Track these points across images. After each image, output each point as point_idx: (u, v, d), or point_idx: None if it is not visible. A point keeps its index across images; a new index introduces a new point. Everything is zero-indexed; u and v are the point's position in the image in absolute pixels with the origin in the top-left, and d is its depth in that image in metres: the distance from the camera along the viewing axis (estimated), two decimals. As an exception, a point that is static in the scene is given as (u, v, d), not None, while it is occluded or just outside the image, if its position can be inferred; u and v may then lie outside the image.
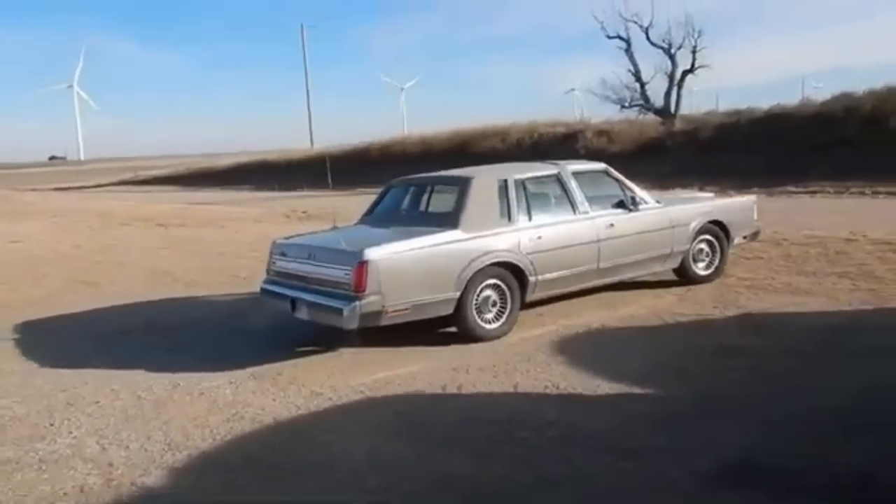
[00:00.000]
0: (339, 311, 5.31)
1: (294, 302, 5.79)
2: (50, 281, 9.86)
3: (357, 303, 5.27)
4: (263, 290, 6.39)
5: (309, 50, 53.88)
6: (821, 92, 28.52)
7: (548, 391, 4.66)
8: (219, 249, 12.41)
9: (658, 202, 6.97)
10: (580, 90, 49.61)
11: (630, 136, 26.50)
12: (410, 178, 7.28)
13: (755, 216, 7.84)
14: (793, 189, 17.36)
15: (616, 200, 6.69)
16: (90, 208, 25.40)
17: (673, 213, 7.00)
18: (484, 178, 6.29)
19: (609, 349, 5.47)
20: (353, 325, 5.34)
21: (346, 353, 5.72)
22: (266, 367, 5.45)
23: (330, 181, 8.63)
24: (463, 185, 6.15)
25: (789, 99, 25.96)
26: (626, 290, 7.03)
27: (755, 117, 24.08)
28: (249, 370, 5.38)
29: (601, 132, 27.56)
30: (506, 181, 6.20)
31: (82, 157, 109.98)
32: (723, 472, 3.45)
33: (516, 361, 5.26)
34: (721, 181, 18.86)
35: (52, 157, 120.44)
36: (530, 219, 6.16)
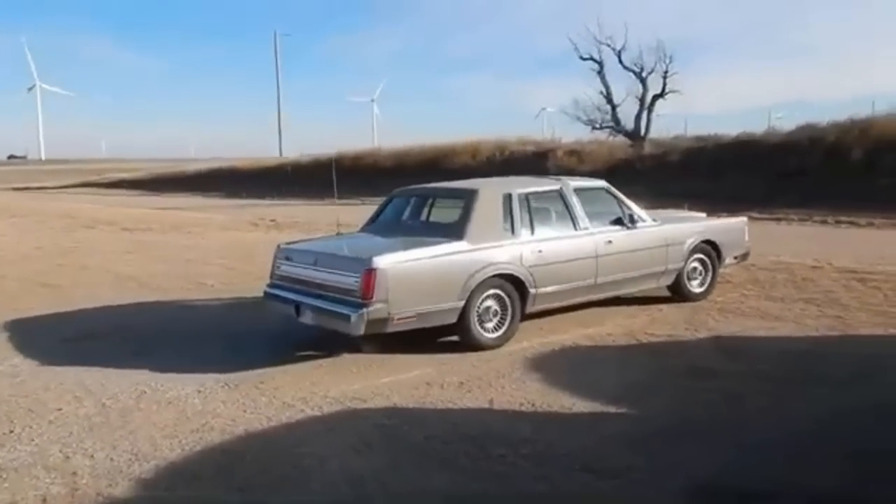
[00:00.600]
0: (347, 318, 5.34)
1: (298, 306, 5.82)
2: (8, 283, 9.58)
3: (364, 310, 5.31)
4: (267, 294, 6.39)
5: (281, 59, 53.61)
6: (783, 122, 29.22)
7: (523, 408, 4.64)
8: (185, 255, 12.21)
9: (654, 220, 7.10)
10: (551, 109, 50.02)
11: (600, 157, 26.78)
12: (414, 188, 7.36)
13: (746, 237, 8.02)
14: (757, 215, 17.63)
15: (614, 217, 6.85)
16: (52, 209, 24.88)
17: (668, 232, 7.16)
18: (489, 191, 6.37)
19: (583, 368, 5.47)
20: (360, 331, 5.36)
21: (322, 364, 5.64)
22: (237, 375, 5.34)
23: (335, 191, 8.56)
24: (469, 197, 6.24)
25: (754, 127, 26.40)
26: (600, 308, 7.05)
27: (723, 143, 24.53)
28: (219, 378, 5.27)
29: (572, 152, 27.83)
30: (510, 195, 6.28)
31: (43, 157, 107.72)
32: (698, 493, 3.46)
33: (491, 377, 5.24)
34: (689, 205, 19.13)
35: (10, 157, 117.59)
36: (532, 232, 6.25)
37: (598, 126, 27.77)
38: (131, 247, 13.67)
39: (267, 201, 29.37)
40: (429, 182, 7.95)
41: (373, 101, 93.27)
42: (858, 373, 5.20)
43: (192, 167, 48.47)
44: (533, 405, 4.68)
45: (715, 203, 19.64)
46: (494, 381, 5.18)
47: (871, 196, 17.79)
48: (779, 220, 16.88)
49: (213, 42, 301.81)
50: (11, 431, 4.36)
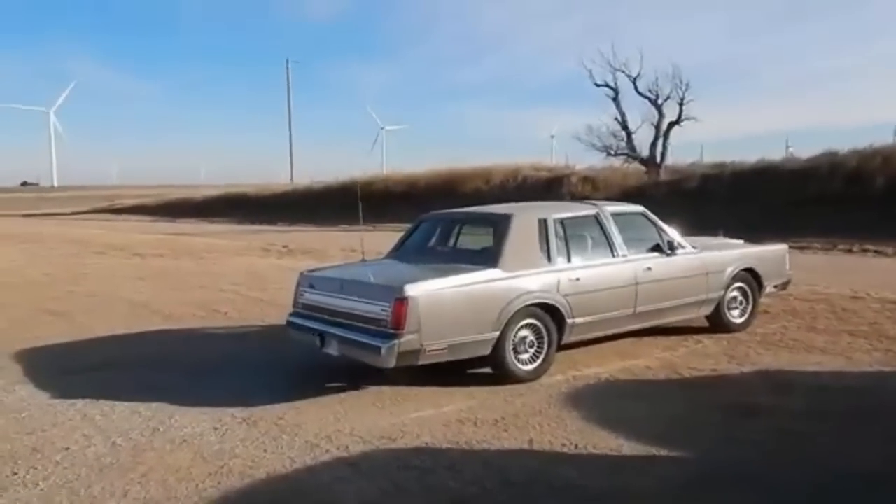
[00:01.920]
0: (377, 350, 5.04)
1: (323, 336, 5.53)
2: (16, 311, 9.31)
3: (395, 341, 5.01)
4: (290, 324, 6.11)
5: (292, 86, 53.82)
6: (798, 150, 28.86)
7: (565, 449, 4.28)
8: (198, 282, 11.94)
9: (694, 247, 6.79)
10: (561, 135, 49.99)
11: (614, 183, 26.53)
12: (443, 212, 7.12)
13: (787, 265, 7.69)
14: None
15: (653, 244, 6.56)
16: (63, 235, 24.76)
17: (708, 259, 6.86)
18: (524, 217, 6.08)
19: (624, 404, 5.11)
20: (391, 364, 5.05)
21: (345, 398, 5.30)
22: (256, 410, 5.02)
23: (361, 217, 8.36)
24: (503, 222, 5.94)
25: (770, 154, 26.05)
26: (635, 339, 6.70)
27: (740, 170, 24.19)
28: (237, 414, 4.95)
29: (586, 178, 27.63)
30: (545, 220, 6.01)
31: (55, 184, 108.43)
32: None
33: (528, 415, 4.88)
34: (706, 233, 18.80)
35: (23, 183, 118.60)
36: (569, 259, 5.97)
37: (612, 153, 27.45)
38: (143, 273, 13.43)
39: (278, 227, 29.18)
40: (441, 208, 7.69)
41: (383, 129, 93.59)
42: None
43: (202, 193, 48.49)
44: (575, 446, 4.32)
45: (733, 231, 19.29)
46: (531, 418, 4.82)
47: (895, 225, 17.42)
48: (802, 248, 16.46)
49: (224, 69, 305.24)
50: (15, 473, 4.03)
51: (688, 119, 26.16)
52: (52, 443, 4.48)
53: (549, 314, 5.71)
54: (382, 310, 5.13)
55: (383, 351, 5.00)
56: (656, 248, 6.52)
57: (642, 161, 26.89)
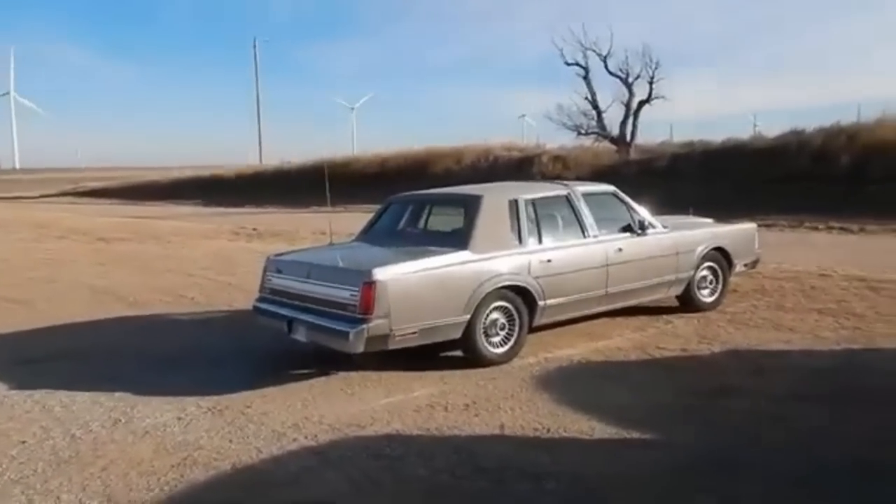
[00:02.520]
0: (345, 335, 4.93)
1: (291, 322, 5.40)
2: (-25, 297, 9.03)
3: (364, 326, 4.90)
4: (257, 309, 5.96)
5: (261, 66, 53.00)
6: (766, 128, 29.10)
7: (538, 434, 4.23)
8: (164, 266, 11.70)
9: (665, 227, 6.75)
10: (532, 116, 49.85)
11: (585, 162, 26.52)
12: (412, 194, 7.00)
13: (756, 244, 7.68)
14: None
15: (624, 224, 6.50)
16: (24, 219, 24.20)
17: (679, 239, 6.82)
18: (494, 197, 5.97)
19: (596, 386, 5.07)
20: (360, 349, 4.95)
21: (313, 384, 5.20)
22: (221, 398, 4.90)
23: (329, 198, 8.18)
24: (473, 203, 5.84)
25: (739, 133, 26.22)
26: (606, 320, 6.68)
27: (709, 149, 24.31)
28: (202, 403, 4.82)
29: (557, 157, 27.54)
30: (516, 201, 5.92)
31: (17, 166, 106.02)
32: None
33: (499, 398, 4.82)
34: (675, 211, 18.89)
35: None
36: (540, 241, 5.90)
37: (583, 132, 27.44)
38: (107, 258, 13.13)
39: (247, 209, 28.80)
40: (412, 189, 7.57)
41: (353, 109, 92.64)
42: (892, 390, 4.85)
43: (170, 175, 47.69)
44: (548, 430, 4.27)
45: (702, 209, 19.37)
46: (503, 402, 4.76)
47: (861, 202, 17.62)
48: (770, 226, 16.59)
49: (192, 49, 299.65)
50: (-32, 469, 3.87)
51: (658, 98, 26.24)
52: (8, 436, 4.32)
53: (521, 296, 5.64)
54: (351, 294, 5.02)
55: (352, 336, 4.89)
56: (627, 229, 6.47)
57: (613, 140, 26.93)
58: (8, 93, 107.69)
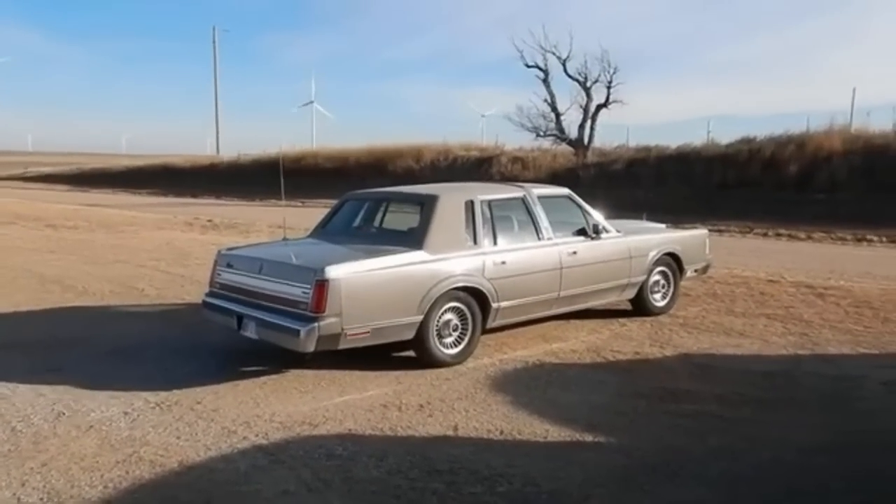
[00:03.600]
0: (295, 333, 4.83)
1: (241, 319, 5.29)
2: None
3: (315, 324, 4.81)
4: (206, 304, 5.82)
5: (220, 57, 52.04)
6: (717, 135, 29.65)
7: (491, 436, 4.23)
8: (115, 256, 11.43)
9: (618, 231, 6.78)
10: (493, 116, 49.96)
11: (544, 164, 26.75)
12: (368, 192, 6.89)
13: (707, 250, 7.76)
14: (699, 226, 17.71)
15: (578, 227, 6.51)
16: (-32, 203, 23.41)
17: (632, 243, 6.85)
18: (450, 198, 5.91)
19: (550, 388, 5.09)
20: (310, 348, 4.86)
21: (266, 381, 5.12)
22: (170, 394, 4.80)
23: (283, 193, 8.08)
24: (428, 203, 5.77)
25: (690, 139, 26.59)
26: (561, 322, 6.73)
27: (664, 154, 24.74)
28: (150, 398, 4.71)
29: (516, 158, 27.74)
30: (472, 202, 5.87)
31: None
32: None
33: (453, 399, 4.82)
34: (631, 215, 19.14)
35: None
36: (495, 242, 5.86)
37: (542, 133, 27.66)
38: (56, 246, 12.78)
39: (203, 200, 28.33)
40: (372, 186, 7.53)
41: (312, 102, 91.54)
42: (835, 395, 4.98)
43: (123, 163, 46.66)
44: (501, 432, 4.27)
45: (657, 214, 19.52)
46: (457, 402, 4.76)
47: (807, 209, 18.14)
48: (721, 231, 16.94)
49: (148, 36, 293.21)
50: None
51: (615, 102, 26.58)
52: (-56, 430, 4.17)
53: (474, 298, 5.61)
54: (303, 292, 4.94)
55: (302, 334, 4.81)
56: (581, 232, 6.49)
57: (571, 143, 27.19)
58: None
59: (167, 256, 11.44)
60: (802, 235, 15.39)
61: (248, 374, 5.27)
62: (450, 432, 4.27)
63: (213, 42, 51.22)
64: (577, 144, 26.92)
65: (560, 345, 6.18)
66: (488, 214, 5.93)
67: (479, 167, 27.79)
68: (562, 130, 27.45)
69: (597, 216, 6.71)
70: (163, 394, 4.80)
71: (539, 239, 6.16)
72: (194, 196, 30.66)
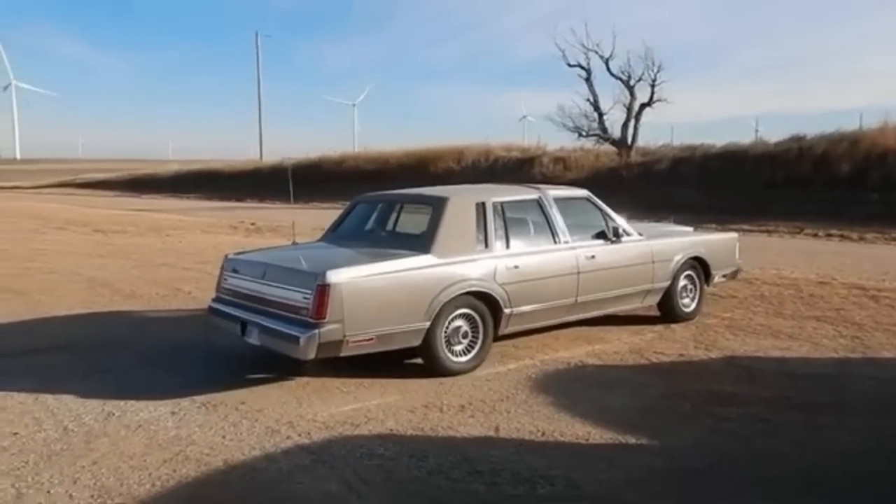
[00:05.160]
0: (295, 340, 4.72)
1: (244, 325, 5.22)
2: (-28, 286, 9.00)
3: (316, 331, 4.69)
4: (212, 310, 5.78)
5: (262, 61, 52.83)
6: (766, 133, 29.03)
7: (533, 437, 4.21)
8: (162, 260, 11.67)
9: (640, 235, 6.60)
10: (533, 116, 49.77)
11: (586, 164, 26.52)
12: (380, 194, 6.79)
13: (737, 254, 7.52)
14: (747, 227, 17.35)
15: (597, 230, 6.31)
16: (22, 210, 24.15)
17: (656, 247, 6.62)
18: (460, 200, 5.75)
19: (593, 390, 5.05)
20: (311, 355, 4.74)
21: (309, 382, 5.17)
22: (216, 395, 4.87)
23: (292, 194, 8.15)
24: (437, 205, 5.61)
25: (738, 137, 26.13)
26: (603, 324, 6.64)
27: (710, 153, 24.29)
28: (196, 399, 4.80)
29: (558, 159, 27.55)
30: (483, 204, 5.71)
31: (18, 157, 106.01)
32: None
33: (495, 400, 4.80)
34: (675, 215, 18.80)
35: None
36: (508, 246, 5.70)
37: (584, 133, 27.40)
38: (105, 250, 13.10)
39: (247, 204, 28.78)
40: (414, 187, 7.39)
41: (354, 105, 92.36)
42: (887, 400, 4.84)
43: (170, 168, 47.64)
44: (543, 433, 4.25)
45: (702, 214, 19.45)
46: (498, 404, 4.75)
47: (860, 209, 17.64)
48: (769, 232, 16.61)
49: (194, 44, 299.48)
50: (-42, 460, 3.85)
51: (659, 101, 26.21)
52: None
53: (485, 303, 5.44)
54: (304, 297, 4.82)
55: (302, 341, 4.68)
56: (601, 235, 6.28)
57: (613, 142, 26.90)
58: (9, 85, 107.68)
59: (213, 259, 11.61)
60: (855, 236, 14.98)
61: (291, 375, 5.31)
62: (491, 433, 4.26)
63: (256, 48, 52.08)
64: (621, 144, 26.62)
65: (602, 346, 6.12)
66: (501, 217, 5.77)
67: (520, 168, 27.66)
68: (604, 130, 27.18)
69: (617, 219, 6.48)
70: (208, 394, 4.88)
71: (555, 242, 5.97)
72: (239, 200, 31.15)
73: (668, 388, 5.07)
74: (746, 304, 7.68)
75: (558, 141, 29.97)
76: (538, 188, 6.34)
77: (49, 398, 4.81)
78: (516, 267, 5.61)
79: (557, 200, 6.20)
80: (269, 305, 5.15)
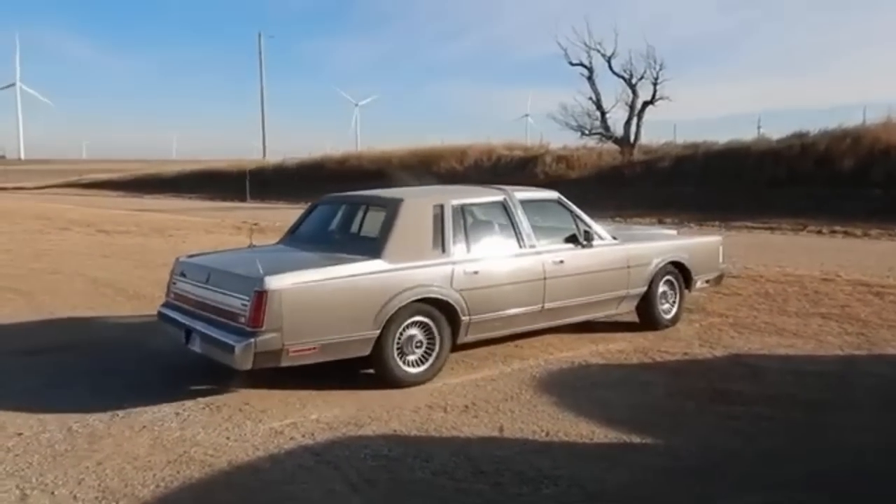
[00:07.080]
0: (230, 349, 4.51)
1: (189, 332, 5.00)
2: (-24, 287, 9.01)
3: (252, 339, 4.47)
4: (161, 315, 5.57)
5: (265, 61, 52.78)
6: (768, 130, 28.95)
7: (537, 437, 4.20)
8: (166, 260, 11.62)
9: (614, 238, 6.35)
10: (534, 116, 49.76)
11: (589, 162, 26.52)
12: (341, 195, 6.49)
13: (720, 259, 7.26)
14: (750, 224, 17.34)
15: (568, 234, 6.03)
16: (26, 210, 24.20)
17: (631, 252, 6.36)
18: (416, 202, 5.52)
19: (597, 389, 5.04)
20: (247, 365, 4.52)
21: (312, 383, 5.15)
22: (219, 396, 4.87)
23: (248, 194, 8.08)
24: (391, 207, 5.37)
25: (740, 134, 26.09)
26: (606, 323, 6.63)
27: (712, 151, 24.28)
28: (200, 400, 4.80)
29: (560, 157, 27.55)
30: (442, 206, 5.45)
31: (23, 157, 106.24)
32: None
33: (498, 400, 4.80)
34: (678, 213, 18.88)
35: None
36: (468, 250, 5.42)
37: (587, 132, 27.46)
38: (109, 251, 13.12)
39: (250, 204, 28.79)
40: (413, 187, 7.27)
41: (357, 105, 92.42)
42: (893, 397, 4.82)
43: (173, 168, 47.71)
44: (547, 433, 4.24)
45: (705, 211, 19.49)
46: (502, 403, 4.74)
47: (863, 205, 17.60)
48: (772, 229, 16.58)
49: (196, 43, 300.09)
50: (-37, 462, 3.85)
51: (662, 99, 26.28)
52: (4, 428, 4.29)
53: (442, 311, 5.19)
54: (242, 304, 4.61)
55: (237, 350, 4.46)
56: (571, 239, 6.00)
57: (616, 141, 26.92)
58: (13, 84, 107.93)
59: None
60: (858, 232, 14.95)
61: (295, 376, 5.29)
62: (495, 433, 4.26)
63: (259, 48, 52.08)
64: (623, 142, 26.63)
65: (606, 345, 6.11)
66: (461, 220, 5.50)
67: (523, 167, 27.67)
68: (607, 128, 27.21)
69: (590, 222, 6.20)
70: (212, 395, 4.88)
71: (520, 247, 5.71)
72: (241, 200, 31.16)
73: (672, 387, 5.07)
74: (751, 302, 7.66)
75: (561, 140, 29.94)
76: (503, 190, 6.07)
77: (54, 399, 4.82)
78: (476, 272, 5.37)
79: (524, 203, 5.95)
80: (210, 312, 4.95)
